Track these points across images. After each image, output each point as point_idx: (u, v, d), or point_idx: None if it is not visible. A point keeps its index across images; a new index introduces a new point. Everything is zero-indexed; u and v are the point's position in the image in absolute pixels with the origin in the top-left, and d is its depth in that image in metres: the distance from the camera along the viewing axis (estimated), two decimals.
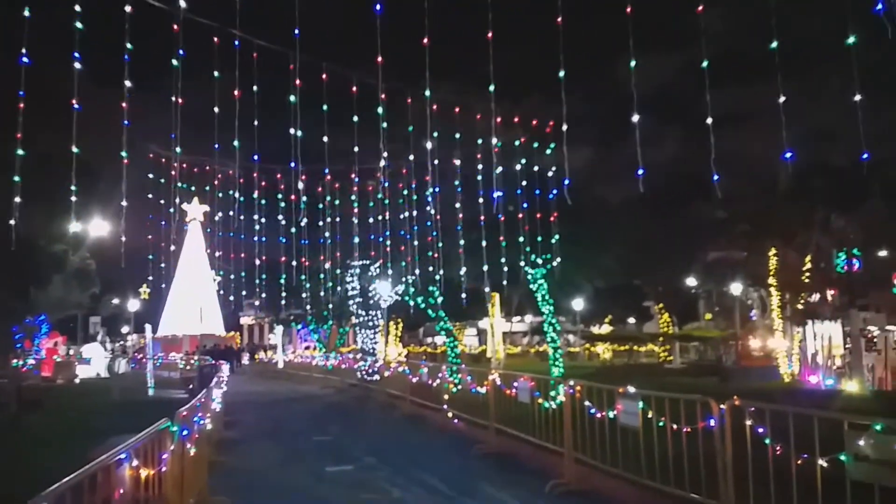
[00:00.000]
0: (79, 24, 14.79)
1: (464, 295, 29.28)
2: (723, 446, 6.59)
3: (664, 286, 40.07)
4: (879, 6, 10.21)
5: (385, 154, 20.54)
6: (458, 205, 30.73)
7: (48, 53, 18.76)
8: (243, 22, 17.69)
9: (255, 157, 24.35)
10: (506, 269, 31.33)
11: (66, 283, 25.43)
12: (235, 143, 19.82)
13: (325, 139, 22.60)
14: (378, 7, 13.93)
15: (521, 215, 30.84)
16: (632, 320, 55.91)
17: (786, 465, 5.89)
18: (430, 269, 31.20)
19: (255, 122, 21.20)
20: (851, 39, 11.06)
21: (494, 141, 22.88)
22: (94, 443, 8.45)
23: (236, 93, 18.81)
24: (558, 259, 29.83)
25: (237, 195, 29.96)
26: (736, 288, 36.69)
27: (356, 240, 33.88)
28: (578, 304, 47.30)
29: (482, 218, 29.67)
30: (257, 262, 36.00)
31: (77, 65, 14.87)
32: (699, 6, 12.72)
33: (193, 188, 51.33)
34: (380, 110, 18.02)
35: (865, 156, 11.45)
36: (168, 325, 57.02)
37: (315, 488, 9.70)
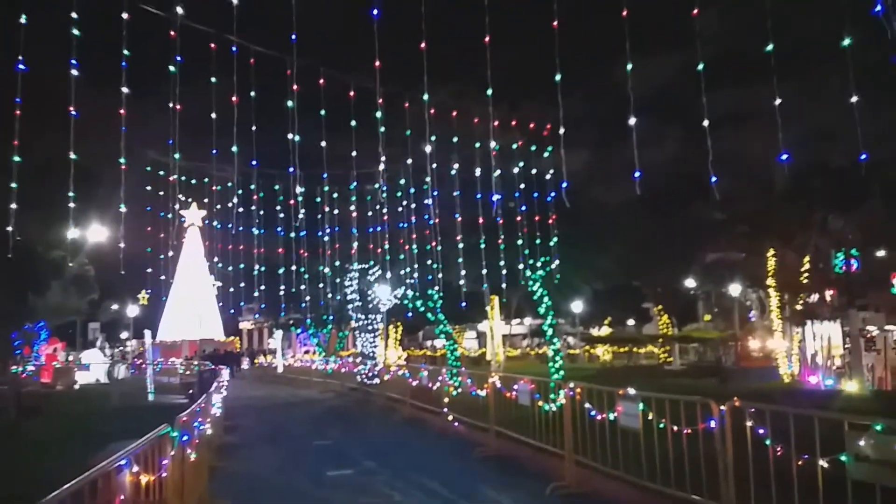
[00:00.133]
0: (77, 32, 14.80)
1: (464, 302, 29.28)
2: (723, 447, 6.59)
3: (663, 288, 40.10)
4: (878, 7, 10.23)
5: (383, 158, 20.53)
6: (457, 208, 30.74)
7: (47, 60, 18.78)
8: (241, 28, 17.72)
9: (254, 163, 24.36)
10: (505, 271, 31.36)
11: (64, 290, 25.39)
12: (234, 148, 19.84)
13: (324, 144, 22.64)
14: (375, 12, 13.96)
15: (519, 218, 30.91)
16: (631, 322, 55.87)
17: (786, 466, 5.89)
18: (430, 272, 31.22)
19: (254, 128, 21.23)
20: (847, 41, 11.08)
21: (493, 144, 22.92)
22: (94, 449, 8.44)
23: (234, 98, 18.82)
24: (557, 261, 29.89)
25: (235, 200, 29.97)
26: (735, 289, 36.71)
27: (355, 244, 33.88)
28: (578, 306, 47.28)
29: (481, 221, 29.70)
30: (256, 266, 36.00)
31: (74, 71, 14.87)
32: (695, 9, 12.76)
33: (191, 198, 51.46)
34: (378, 115, 18.04)
35: (864, 156, 11.47)
36: (167, 330, 56.95)
37: (315, 492, 9.69)
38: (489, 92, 15.85)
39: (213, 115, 20.33)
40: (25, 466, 11.49)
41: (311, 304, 42.23)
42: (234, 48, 17.80)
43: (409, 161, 27.24)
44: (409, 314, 29.52)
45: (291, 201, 31.73)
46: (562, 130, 14.70)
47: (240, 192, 31.78)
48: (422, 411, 16.92)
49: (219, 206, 44.32)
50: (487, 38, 14.78)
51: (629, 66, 12.70)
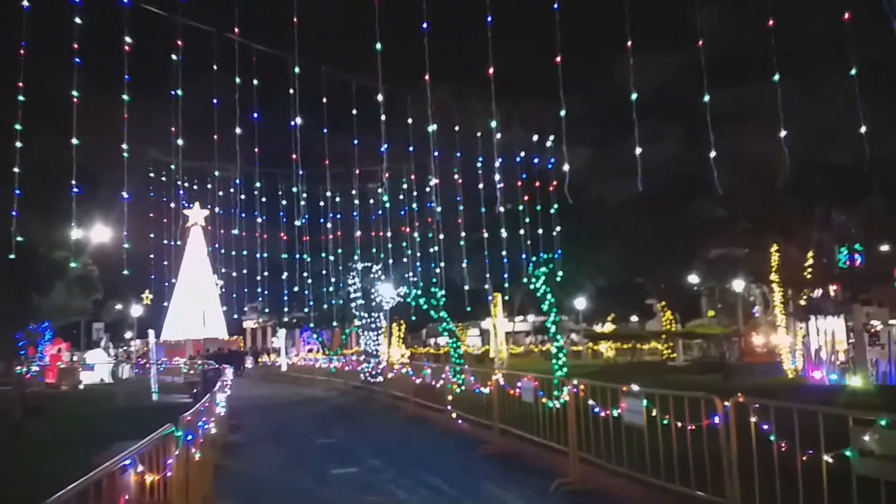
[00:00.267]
0: (77, 31, 14.81)
1: (467, 300, 29.26)
2: (727, 444, 6.58)
3: (666, 284, 40.06)
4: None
5: (385, 156, 20.52)
6: (459, 206, 30.70)
7: (48, 60, 18.81)
8: (242, 27, 17.71)
9: (256, 162, 24.36)
10: (508, 268, 31.34)
11: (68, 290, 25.45)
12: (236, 146, 19.85)
13: (325, 143, 22.65)
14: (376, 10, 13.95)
15: (522, 213, 30.87)
16: (635, 318, 55.85)
17: (791, 462, 5.89)
18: (433, 270, 31.20)
19: (255, 127, 21.22)
20: (848, 39, 11.06)
21: (496, 140, 22.88)
22: (98, 449, 8.45)
23: (237, 97, 18.82)
24: (560, 259, 29.83)
25: (239, 199, 30.01)
26: (738, 284, 36.71)
27: (357, 242, 33.86)
28: (581, 302, 47.28)
29: (483, 218, 29.67)
30: (259, 265, 36.03)
31: (76, 71, 14.88)
32: (697, 7, 12.74)
33: (194, 199, 51.53)
34: (381, 112, 18.02)
35: (866, 152, 11.45)
36: (171, 329, 57.04)
37: (320, 491, 9.70)
38: (491, 87, 15.80)
39: (215, 116, 20.34)
40: (30, 467, 11.52)
41: (314, 303, 42.26)
42: (235, 47, 17.78)
43: (412, 159, 27.22)
44: (413, 315, 29.53)
45: (293, 199, 31.71)
46: (563, 126, 14.67)
47: (242, 196, 31.91)
48: (425, 409, 16.94)
49: (222, 206, 44.36)
50: (490, 34, 14.74)
51: (630, 62, 12.68)
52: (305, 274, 38.67)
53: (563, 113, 13.81)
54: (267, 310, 52.76)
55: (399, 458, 11.79)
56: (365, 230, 35.43)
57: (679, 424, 7.28)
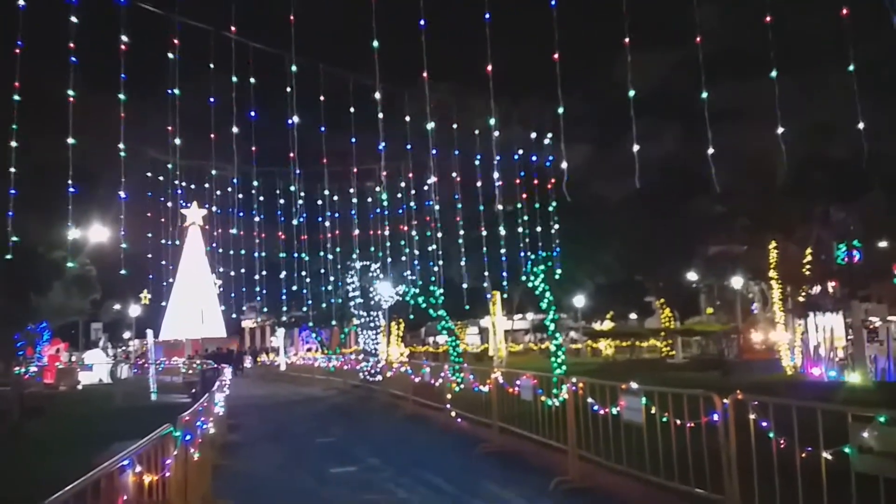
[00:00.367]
0: (74, 30, 14.78)
1: (465, 298, 29.27)
2: (726, 441, 6.58)
3: (665, 281, 40.06)
4: None
5: (382, 154, 20.50)
6: (458, 204, 30.72)
7: (46, 60, 18.77)
8: (240, 25, 17.68)
9: (254, 160, 24.33)
10: (506, 267, 31.35)
11: (66, 290, 25.42)
12: (233, 146, 19.82)
13: (323, 142, 22.64)
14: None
15: (521, 211, 30.88)
16: (633, 316, 55.89)
17: (790, 459, 5.88)
18: (431, 268, 31.21)
19: (252, 126, 21.20)
20: (848, 37, 11.05)
21: (494, 138, 22.90)
22: (97, 449, 8.44)
23: (233, 95, 18.79)
24: (559, 256, 29.85)
25: (237, 198, 29.97)
26: (737, 282, 36.70)
27: (356, 240, 33.82)
28: (580, 300, 47.30)
29: (482, 216, 29.68)
30: (258, 264, 36.00)
31: (73, 70, 14.85)
32: (695, 5, 12.74)
33: (192, 199, 51.45)
34: (378, 109, 18.01)
35: (864, 148, 11.45)
36: (170, 329, 57.00)
37: (319, 490, 9.69)
38: (490, 86, 15.79)
39: (212, 115, 20.32)
40: (29, 467, 11.50)
41: (313, 302, 42.23)
42: (232, 46, 17.76)
43: (410, 157, 27.21)
44: (412, 314, 29.52)
45: (291, 198, 31.71)
46: (561, 124, 14.67)
47: (240, 195, 31.80)
48: (424, 408, 16.93)
49: (220, 206, 44.28)
50: (488, 31, 14.73)
51: (629, 58, 12.68)
52: (304, 273, 38.64)
53: (560, 111, 13.80)
54: (266, 309, 52.68)
55: (398, 456, 11.78)
56: (363, 229, 35.46)
57: (678, 422, 7.28)
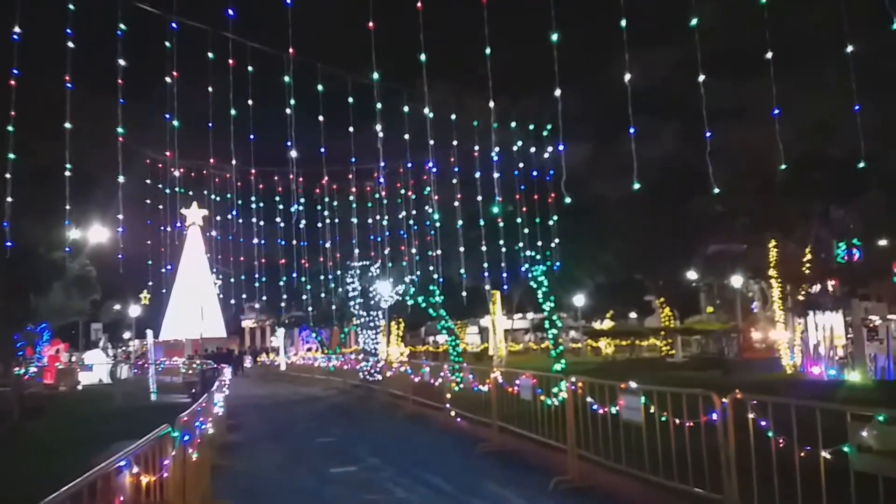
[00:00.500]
0: (73, 29, 14.77)
1: (465, 297, 29.27)
2: (725, 440, 6.58)
3: (665, 280, 40.05)
4: None
5: (381, 153, 20.49)
6: (457, 203, 30.68)
7: (45, 63, 18.77)
8: (241, 26, 17.65)
9: (252, 161, 24.35)
10: (506, 266, 31.35)
11: (66, 290, 25.43)
12: (231, 146, 19.80)
13: (322, 139, 22.61)
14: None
15: (520, 211, 30.87)
16: (633, 315, 55.88)
17: (789, 458, 5.88)
18: (431, 268, 31.19)
19: (251, 126, 21.17)
20: (845, 34, 11.05)
21: (493, 137, 22.90)
22: (97, 449, 8.44)
23: (230, 97, 18.78)
24: (558, 256, 29.82)
25: (236, 200, 29.95)
26: (737, 280, 36.71)
27: (355, 240, 33.80)
28: (580, 300, 47.29)
29: (481, 216, 29.66)
30: (256, 264, 36.01)
31: (72, 67, 14.85)
32: (695, 4, 12.73)
33: (192, 193, 51.32)
34: (378, 108, 18.00)
35: (862, 147, 11.45)
36: (170, 329, 57.05)
37: (319, 490, 9.69)
38: (489, 85, 15.78)
39: (210, 114, 20.28)
40: (28, 468, 11.49)
41: (313, 302, 42.21)
42: (230, 46, 17.74)
43: (408, 157, 27.19)
44: (409, 311, 29.51)
45: (290, 199, 31.71)
46: (560, 123, 14.66)
47: (240, 196, 31.80)
48: (424, 407, 16.93)
49: (220, 206, 44.23)
50: (486, 31, 14.71)
51: (626, 58, 12.67)
52: (304, 273, 38.64)
53: (559, 108, 13.79)
54: (264, 306, 52.63)
55: (398, 456, 11.78)
56: (363, 228, 35.44)
57: (677, 421, 7.28)
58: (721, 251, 36.90)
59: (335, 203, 37.19)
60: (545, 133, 29.23)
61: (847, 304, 21.97)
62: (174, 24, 16.52)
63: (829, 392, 16.40)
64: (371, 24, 14.82)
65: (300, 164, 28.89)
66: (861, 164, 13.48)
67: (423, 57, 14.89)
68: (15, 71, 13.89)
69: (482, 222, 29.37)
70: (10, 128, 14.57)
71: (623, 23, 12.45)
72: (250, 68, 18.78)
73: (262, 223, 36.36)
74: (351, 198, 35.48)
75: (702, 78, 12.57)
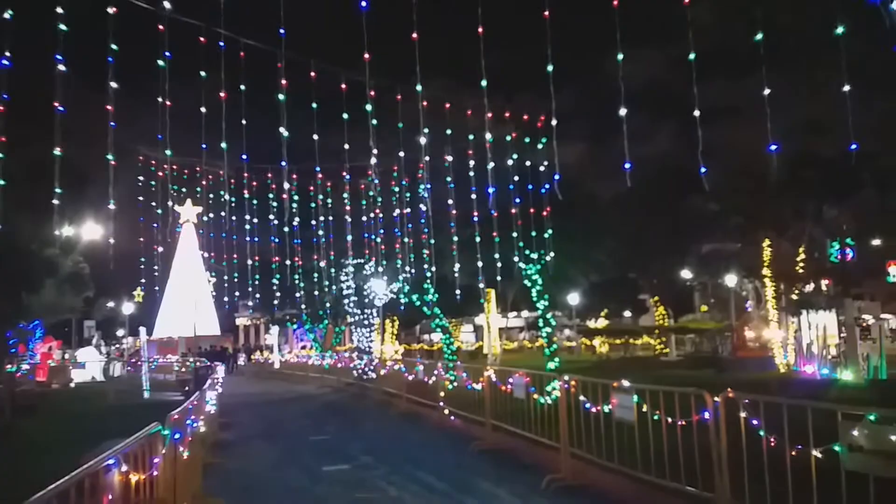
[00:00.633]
0: (64, 27, 14.70)
1: (458, 292, 29.29)
2: (717, 439, 6.58)
3: (659, 279, 40.13)
4: None
5: (374, 152, 20.47)
6: (451, 202, 30.72)
7: (38, 58, 18.67)
8: (230, 21, 17.61)
9: (245, 158, 24.28)
10: (500, 264, 31.38)
11: (59, 288, 25.30)
12: (223, 144, 19.74)
13: (315, 137, 22.59)
14: (364, 4, 13.87)
15: (514, 211, 30.90)
16: (628, 313, 55.93)
17: (781, 457, 5.88)
18: (425, 266, 31.21)
19: (244, 122, 21.14)
20: (840, 29, 11.06)
21: (487, 136, 22.90)
22: (89, 447, 8.39)
23: (222, 94, 18.72)
24: (552, 254, 29.84)
25: (228, 196, 29.90)
26: (731, 279, 36.75)
27: (349, 238, 33.78)
28: (574, 298, 47.31)
29: (475, 214, 29.69)
30: (249, 263, 35.98)
31: (62, 67, 14.77)
32: (687, 1, 12.73)
33: (185, 190, 51.27)
34: (369, 108, 17.98)
35: (854, 146, 11.47)
36: (163, 327, 56.81)
37: (311, 488, 9.66)
38: (483, 83, 15.77)
39: (203, 110, 20.23)
40: (19, 466, 11.43)
41: (307, 300, 42.19)
42: (221, 44, 17.68)
43: (402, 154, 27.20)
44: (402, 308, 29.51)
45: (284, 196, 31.67)
46: (554, 122, 14.67)
47: (233, 193, 31.78)
48: (418, 405, 16.92)
49: (214, 204, 44.19)
50: (481, 30, 14.70)
51: (620, 56, 12.67)
52: (298, 270, 38.62)
53: (552, 106, 13.79)
54: (258, 304, 52.61)
55: (391, 454, 11.77)
56: (357, 227, 35.44)
57: (669, 420, 7.28)
58: (715, 250, 36.99)
59: (329, 201, 37.17)
60: (541, 141, 29.25)
61: (840, 304, 22.05)
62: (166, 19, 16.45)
63: (821, 391, 16.44)
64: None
65: (294, 162, 28.88)
66: (852, 163, 13.52)
67: (416, 52, 14.87)
68: (8, 63, 13.77)
69: (476, 220, 29.39)
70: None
71: (618, 22, 12.45)
72: (242, 62, 18.74)
73: (255, 221, 36.32)
74: (346, 193, 35.48)
75: (694, 75, 12.59)
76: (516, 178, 32.11)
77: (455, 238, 28.25)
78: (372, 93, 17.77)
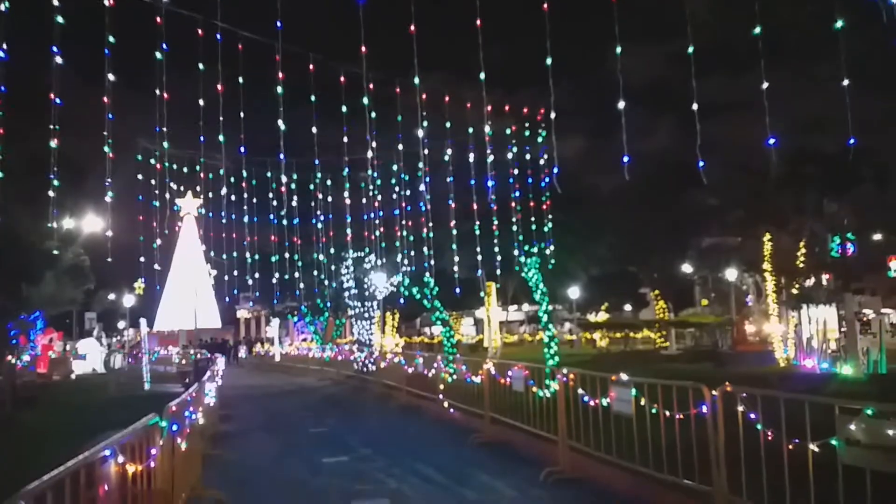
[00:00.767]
0: (61, 20, 14.65)
1: (458, 287, 29.26)
2: (715, 432, 6.58)
3: (660, 273, 40.15)
4: None
5: (373, 144, 20.44)
6: (451, 194, 30.63)
7: (36, 51, 18.64)
8: (228, 13, 17.54)
9: (244, 150, 24.19)
10: (500, 258, 31.36)
11: (59, 280, 25.34)
12: (221, 137, 19.69)
13: (314, 129, 22.57)
14: None
15: (513, 204, 30.85)
16: (628, 307, 56.00)
17: (778, 451, 5.88)
18: (426, 259, 31.18)
19: (241, 115, 21.05)
20: (839, 24, 11.01)
21: (487, 128, 22.82)
22: (89, 439, 8.41)
23: (219, 87, 18.66)
24: (552, 247, 29.82)
25: (227, 190, 29.85)
26: (731, 273, 36.80)
27: (349, 230, 33.73)
28: (575, 292, 47.36)
29: (475, 207, 29.62)
30: (248, 255, 35.97)
31: (58, 59, 14.73)
32: None
33: (185, 183, 51.16)
34: (367, 100, 17.94)
35: (853, 141, 11.44)
36: (164, 319, 56.98)
37: (310, 480, 9.68)
38: (482, 76, 15.70)
39: (201, 103, 20.15)
40: (19, 458, 11.46)
41: (307, 293, 42.16)
42: (218, 35, 17.60)
43: (401, 147, 27.15)
44: (402, 300, 29.50)
45: (283, 189, 31.66)
46: (553, 115, 14.63)
47: (234, 185, 31.69)
48: (418, 398, 16.95)
49: (214, 196, 44.08)
50: (479, 22, 14.64)
51: (618, 49, 12.63)
52: (299, 262, 38.59)
53: (552, 99, 13.76)
54: (258, 296, 52.58)
55: (390, 446, 11.79)
56: (357, 219, 35.37)
57: (667, 413, 7.28)
58: (716, 244, 37.02)
59: (329, 185, 37.09)
60: (541, 130, 29.16)
61: (840, 298, 22.05)
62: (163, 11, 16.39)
63: (820, 385, 16.45)
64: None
65: (294, 154, 28.84)
66: (850, 158, 13.49)
67: (414, 44, 14.82)
68: (4, 56, 13.73)
69: (476, 213, 29.31)
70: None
71: (617, 15, 12.40)
72: (240, 54, 18.67)
73: (256, 212, 36.27)
74: (345, 187, 35.38)
75: (693, 69, 12.55)
76: (516, 171, 32.05)
77: (454, 231, 28.17)
78: (371, 86, 17.67)
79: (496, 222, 28.56)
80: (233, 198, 33.44)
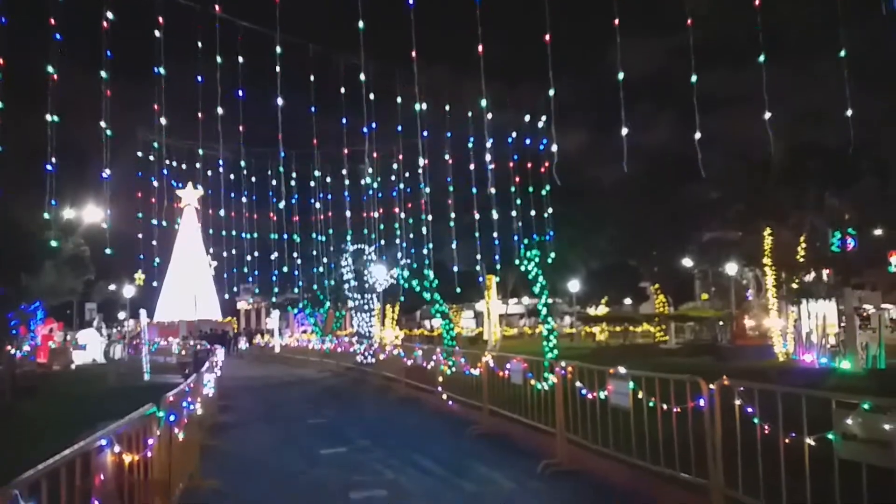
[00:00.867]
0: (63, 8, 14.61)
1: (458, 282, 29.28)
2: (712, 426, 6.58)
3: (660, 267, 40.14)
4: None
5: (372, 136, 20.41)
6: (451, 187, 30.64)
7: (37, 42, 18.60)
8: (228, 4, 17.50)
9: (247, 143, 24.21)
10: (500, 251, 31.38)
11: (59, 270, 25.34)
12: (219, 128, 19.67)
13: (314, 122, 22.53)
14: None
15: (515, 196, 30.82)
16: (628, 301, 55.99)
17: (775, 444, 5.89)
18: (425, 251, 31.19)
19: (241, 106, 21.04)
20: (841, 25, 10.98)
21: (487, 120, 22.79)
22: (88, 429, 8.42)
23: (218, 76, 18.64)
24: (553, 241, 29.81)
25: (227, 181, 29.85)
26: (731, 268, 36.77)
27: (349, 223, 33.73)
28: (575, 285, 47.36)
29: (475, 199, 29.62)
30: (251, 247, 35.98)
31: (58, 46, 14.70)
32: None
33: (187, 177, 51.16)
34: (369, 94, 17.90)
35: (852, 136, 11.42)
36: (165, 310, 56.99)
37: (308, 470, 9.70)
38: (481, 68, 15.68)
39: (200, 96, 20.14)
40: (18, 447, 11.48)
41: (307, 285, 42.22)
42: (217, 25, 17.59)
43: (400, 140, 27.12)
44: (403, 296, 29.58)
45: (284, 181, 31.67)
46: (553, 108, 14.60)
47: (234, 177, 31.70)
48: (417, 390, 16.97)
49: (215, 187, 44.05)
50: (478, 11, 14.59)
51: (618, 41, 12.59)
52: (299, 255, 38.62)
53: (551, 92, 13.73)
54: (258, 290, 52.65)
55: (389, 438, 11.81)
56: (357, 211, 35.37)
57: (665, 407, 7.29)
58: (716, 238, 36.94)
59: (328, 181, 37.07)
60: (541, 123, 29.12)
61: (840, 293, 22.04)
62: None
63: (819, 380, 16.47)
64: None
65: (295, 146, 28.79)
66: (850, 152, 13.45)
67: (414, 39, 14.78)
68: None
69: (476, 205, 29.31)
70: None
71: (618, 8, 12.35)
72: (242, 48, 18.64)
73: (256, 202, 36.27)
74: (345, 177, 35.36)
75: (693, 63, 12.51)
76: (518, 165, 32.02)
77: (451, 224, 28.20)
78: (362, 76, 17.60)
79: (497, 215, 28.51)
80: (234, 189, 33.48)
